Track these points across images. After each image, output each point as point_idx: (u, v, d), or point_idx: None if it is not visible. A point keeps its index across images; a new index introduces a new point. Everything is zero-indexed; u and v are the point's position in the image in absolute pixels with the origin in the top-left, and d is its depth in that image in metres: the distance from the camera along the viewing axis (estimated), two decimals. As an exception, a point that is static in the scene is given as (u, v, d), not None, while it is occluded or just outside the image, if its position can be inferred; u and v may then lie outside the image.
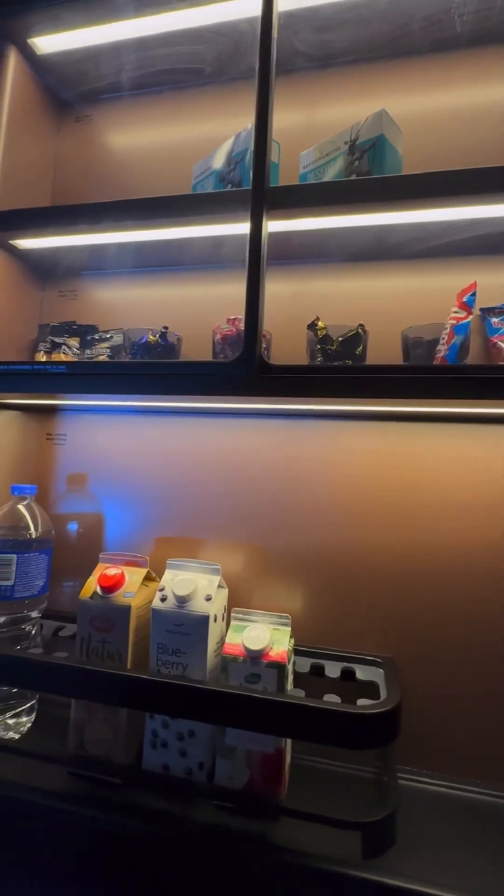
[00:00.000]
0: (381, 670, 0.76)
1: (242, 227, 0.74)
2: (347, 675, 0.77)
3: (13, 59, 0.96)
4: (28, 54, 0.97)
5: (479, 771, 0.76)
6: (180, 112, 1.01)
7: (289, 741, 0.69)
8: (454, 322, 0.77)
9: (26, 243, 0.94)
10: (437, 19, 0.76)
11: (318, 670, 0.78)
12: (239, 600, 0.88)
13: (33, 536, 0.84)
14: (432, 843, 0.64)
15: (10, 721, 0.79)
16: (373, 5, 0.75)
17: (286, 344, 0.88)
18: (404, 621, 0.82)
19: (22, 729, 0.79)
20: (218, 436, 0.94)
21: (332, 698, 0.68)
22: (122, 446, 0.98)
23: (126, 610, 0.73)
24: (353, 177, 0.78)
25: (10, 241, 0.93)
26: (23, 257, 0.99)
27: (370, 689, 0.72)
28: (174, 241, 0.89)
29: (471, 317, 0.76)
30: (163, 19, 0.82)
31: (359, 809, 0.65)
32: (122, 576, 0.77)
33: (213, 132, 0.98)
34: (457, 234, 0.75)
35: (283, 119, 0.90)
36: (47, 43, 0.93)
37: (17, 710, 0.80)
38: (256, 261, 0.69)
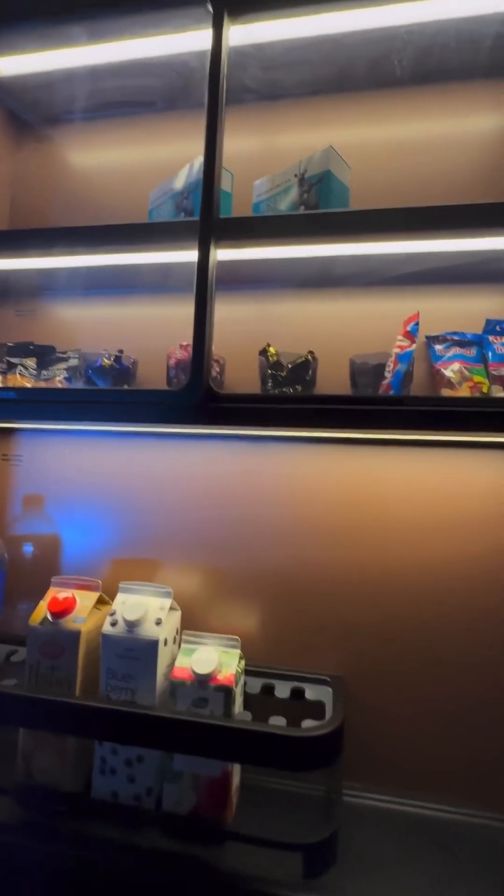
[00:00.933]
0: (330, 689, 0.77)
1: (194, 255, 0.75)
2: (297, 694, 0.78)
3: (-31, 80, 0.96)
4: (-16, 75, 0.97)
5: (426, 786, 0.78)
6: (138, 136, 1.03)
7: (237, 764, 0.70)
8: (398, 350, 0.80)
9: (-19, 264, 0.94)
10: (379, 63, 0.80)
11: (268, 690, 0.79)
12: (195, 621, 0.89)
13: (-15, 561, 0.84)
14: (375, 860, 0.66)
15: (-41, 750, 0.78)
16: (316, 47, 0.78)
17: (243, 367, 0.89)
18: (355, 639, 0.84)
19: (-29, 757, 0.78)
20: (176, 457, 0.95)
21: (277, 721, 0.70)
22: (80, 467, 0.98)
23: (76, 635, 0.73)
24: (302, 209, 0.80)
25: (-35, 262, 0.93)
26: (-22, 277, 0.99)
27: (317, 709, 0.74)
28: (132, 265, 0.90)
29: (414, 345, 0.79)
30: (114, 48, 0.83)
31: (303, 829, 0.66)
32: (72, 600, 0.77)
33: (171, 155, 0.99)
34: (396, 268, 0.78)
35: (239, 145, 0.91)
36: (3, 65, 0.94)
37: (-34, 739, 0.79)
38: (203, 290, 0.71)
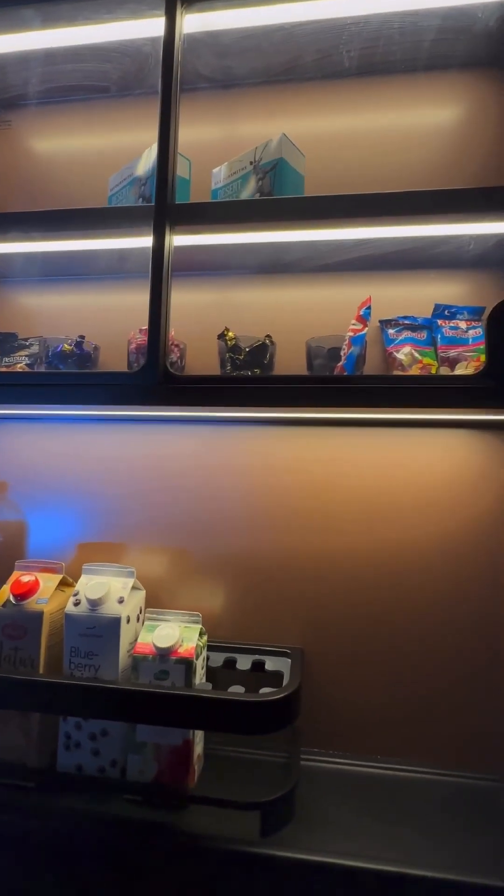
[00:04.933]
0: (289, 660, 0.80)
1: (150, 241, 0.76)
2: (258, 666, 0.81)
3: None
4: None
5: (380, 748, 0.82)
6: (96, 122, 1.03)
7: (199, 733, 0.73)
8: (352, 334, 0.83)
9: None
10: (327, 53, 0.82)
11: (230, 664, 0.82)
12: (161, 602, 0.91)
13: None
14: (330, 816, 0.69)
15: None
16: (268, 37, 0.80)
17: (204, 353, 0.91)
18: (314, 615, 0.87)
19: None
20: (139, 442, 0.96)
21: (236, 689, 0.72)
22: (44, 454, 0.99)
23: (38, 616, 0.74)
24: (258, 195, 0.82)
25: None
26: None
27: (276, 679, 0.77)
28: (91, 251, 0.90)
29: (366, 329, 0.82)
30: (67, 33, 0.83)
31: (264, 791, 0.69)
32: (35, 582, 0.78)
33: (133, 142, 0.99)
34: (344, 253, 0.81)
35: (198, 133, 0.93)
36: (-45, 48, 0.92)
37: None
38: (158, 275, 0.72)
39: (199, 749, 0.73)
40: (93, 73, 0.90)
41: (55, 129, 1.05)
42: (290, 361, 0.88)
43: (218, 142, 0.98)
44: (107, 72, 0.89)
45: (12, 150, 1.07)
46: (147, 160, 0.88)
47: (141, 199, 0.87)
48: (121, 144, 1.01)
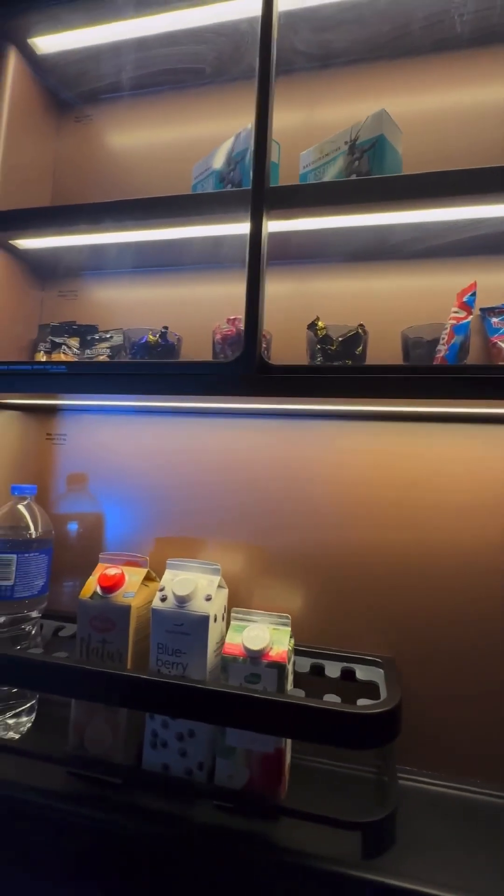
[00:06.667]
0: (382, 670, 0.76)
1: (242, 228, 0.74)
2: (347, 675, 0.77)
3: (13, 60, 0.96)
4: (28, 54, 0.97)
5: (480, 771, 0.76)
6: (180, 112, 1.01)
7: (289, 741, 0.69)
8: (454, 322, 0.77)
9: (26, 243, 0.94)
10: (437, 19, 0.76)
11: (318, 670, 0.78)
12: (239, 600, 0.88)
13: (33, 536, 0.84)
14: (432, 843, 0.64)
15: (10, 721, 0.79)
16: (372, 5, 0.75)
17: (286, 344, 0.88)
18: (404, 621, 0.82)
19: (22, 729, 0.79)
20: (218, 436, 0.94)
21: (332, 698, 0.68)
22: (123, 446, 0.99)
23: (126, 610, 0.73)
24: (353, 177, 0.78)
25: (10, 241, 0.93)
26: (22, 257, 0.99)
27: (370, 689, 0.72)
28: (174, 241, 0.89)
29: (471, 317, 0.76)
30: (162, 19, 0.82)
31: (359, 809, 0.65)
32: (122, 576, 0.77)
33: (213, 132, 0.98)
34: (457, 233, 0.75)
35: (284, 119, 0.89)
36: (47, 43, 0.93)
37: (17, 710, 0.80)
38: (256, 260, 0.69)
39: (288, 758, 0.70)
40: (186, 56, 0.89)
41: (136, 122, 1.05)
42: (382, 352, 0.83)
43: (302, 126, 0.94)
44: (201, 53, 0.87)
45: (90, 145, 1.08)
46: (233, 144, 0.85)
47: (229, 186, 0.84)
48: (203, 134, 1.00)
